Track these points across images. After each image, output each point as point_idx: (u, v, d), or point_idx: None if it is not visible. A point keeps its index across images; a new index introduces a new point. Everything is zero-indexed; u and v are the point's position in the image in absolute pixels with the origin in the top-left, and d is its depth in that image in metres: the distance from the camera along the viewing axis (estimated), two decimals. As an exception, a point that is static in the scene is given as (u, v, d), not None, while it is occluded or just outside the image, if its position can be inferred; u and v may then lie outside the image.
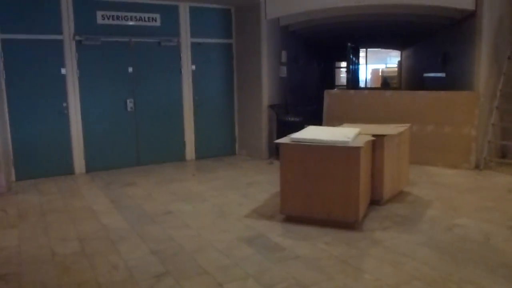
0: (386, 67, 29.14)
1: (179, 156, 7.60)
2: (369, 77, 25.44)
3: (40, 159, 6.53)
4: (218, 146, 7.96)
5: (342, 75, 23.61)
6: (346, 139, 4.26)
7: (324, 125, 7.58)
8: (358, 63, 14.64)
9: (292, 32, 9.37)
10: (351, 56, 13.58)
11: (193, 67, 7.50)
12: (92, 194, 5.72)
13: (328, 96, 7.77)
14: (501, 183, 5.97)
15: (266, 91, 7.62)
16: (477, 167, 6.75)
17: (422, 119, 6.93)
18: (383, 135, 4.85)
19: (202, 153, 7.78)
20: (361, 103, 7.46)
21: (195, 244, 3.93)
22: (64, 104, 6.61)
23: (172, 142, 7.51)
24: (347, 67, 12.96)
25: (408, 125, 5.60)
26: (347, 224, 4.27)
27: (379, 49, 22.88)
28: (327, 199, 4.27)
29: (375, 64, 27.46)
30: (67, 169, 6.74)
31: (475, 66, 6.87)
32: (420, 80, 12.78)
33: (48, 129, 6.52)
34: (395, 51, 23.83)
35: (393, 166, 5.12)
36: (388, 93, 7.52)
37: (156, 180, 6.36)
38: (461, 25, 7.75)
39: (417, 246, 3.84)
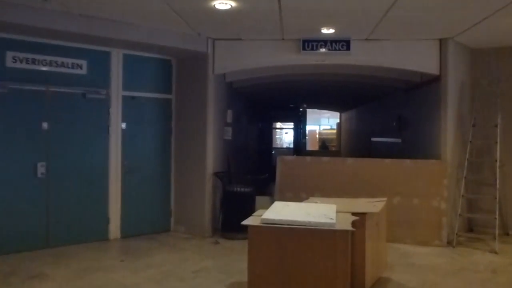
0: (322, 129, 30.32)
1: (101, 234, 6.86)
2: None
3: None
4: (150, 222, 7.36)
5: (278, 136, 24.15)
6: (330, 221, 3.90)
7: (277, 197, 7.28)
8: (304, 125, 14.91)
9: (235, 90, 9.24)
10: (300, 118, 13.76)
11: (124, 125, 7.03)
12: (-15, 291, 4.74)
13: (282, 163, 7.51)
14: (481, 262, 5.93)
15: (211, 156, 7.29)
16: (449, 243, 6.73)
17: (387, 190, 6.83)
18: (364, 213, 4.57)
19: (130, 230, 7.11)
20: (319, 172, 7.27)
21: None
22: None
23: (93, 217, 6.79)
24: (296, 128, 13.18)
25: (384, 199, 5.42)
26: (332, 326, 3.80)
27: (316, 109, 23.60)
28: (307, 294, 3.81)
29: (310, 125, 28.34)
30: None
31: (441, 133, 7.02)
32: (366, 144, 13.11)
33: None
34: (332, 112, 24.85)
35: (373, 249, 4.83)
36: (349, 160, 7.42)
37: (73, 269, 5.52)
38: (420, 89, 8.01)
39: None
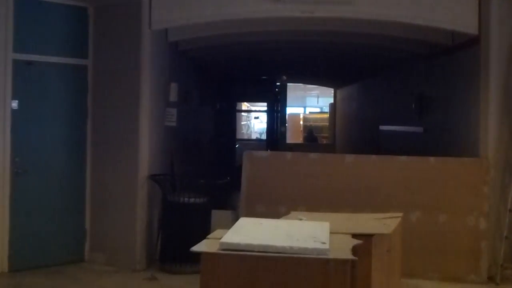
0: (309, 113, 30.56)
1: (-22, 267, 6.88)
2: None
3: None
4: (55, 247, 7.34)
5: (245, 122, 24.31)
6: (321, 246, 3.91)
7: (243, 211, 7.31)
8: (283, 107, 14.91)
9: (183, 54, 9.21)
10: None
11: (15, 104, 7.00)
12: None
13: (251, 162, 7.50)
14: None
15: (146, 151, 7.32)
16: (491, 279, 6.84)
17: (403, 201, 6.92)
18: (370, 235, 4.61)
19: (23, 261, 7.08)
20: (305, 175, 7.31)
21: None
22: None
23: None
24: (272, 111, 13.13)
25: (398, 215, 5.47)
26: None
27: (300, 84, 23.76)
28: None
29: (292, 106, 28.57)
30: None
31: (481, 120, 7.14)
32: (373, 135, 13.26)
33: None
34: (322, 88, 25.03)
35: (383, 286, 4.87)
36: (348, 158, 7.45)
37: None
38: (450, 56, 8.11)
39: None
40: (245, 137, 23.97)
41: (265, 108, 18.65)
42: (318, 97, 30.49)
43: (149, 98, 7.28)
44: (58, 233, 7.33)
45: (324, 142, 24.61)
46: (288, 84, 18.70)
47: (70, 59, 7.34)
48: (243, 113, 23.18)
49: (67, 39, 7.34)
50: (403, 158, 7.26)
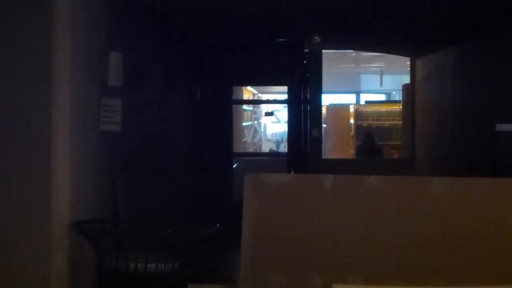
0: (365, 103, 30.68)
1: None
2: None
3: None
4: None
5: (248, 123, 24.28)
6: None
7: (247, 283, 7.27)
8: (317, 94, 14.88)
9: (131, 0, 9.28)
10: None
11: None
12: None
13: (257, 192, 7.43)
14: None
15: (66, 180, 7.37)
16: None
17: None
18: None
19: None
20: (357, 215, 7.22)
21: None
22: None
23: None
24: (296, 103, 12.99)
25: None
26: None
27: (348, 50, 23.89)
28: None
29: (333, 93, 28.73)
30: None
31: None
32: (483, 141, 13.24)
33: None
34: (389, 57, 25.10)
35: None
36: (437, 185, 7.35)
37: None
38: None
39: None
40: (250, 149, 24.06)
41: (285, 97, 18.71)
42: (381, 74, 30.52)
43: (68, 82, 7.33)
44: None
45: (395, 156, 24.57)
46: (325, 51, 18.71)
47: None
48: (245, 107, 23.25)
49: None
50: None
